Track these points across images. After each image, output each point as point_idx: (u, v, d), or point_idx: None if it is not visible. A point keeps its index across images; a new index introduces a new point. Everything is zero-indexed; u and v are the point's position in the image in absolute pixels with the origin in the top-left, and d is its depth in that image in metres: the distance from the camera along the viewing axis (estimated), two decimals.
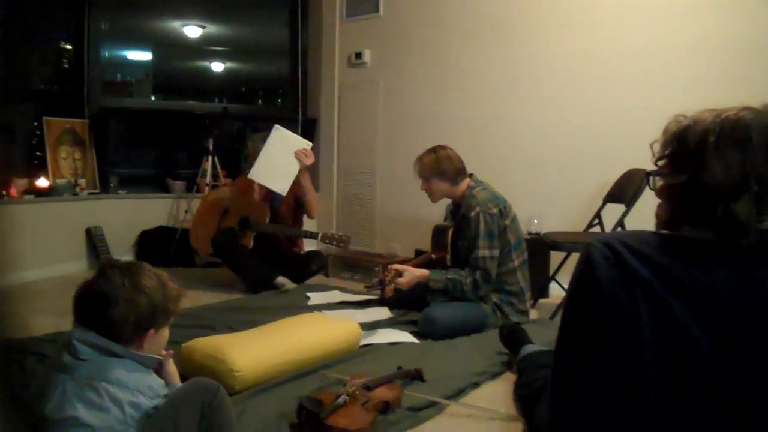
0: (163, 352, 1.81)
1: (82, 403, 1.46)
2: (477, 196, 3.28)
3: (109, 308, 1.56)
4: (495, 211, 3.22)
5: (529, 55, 4.42)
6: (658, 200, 1.33)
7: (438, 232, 3.46)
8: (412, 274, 3.21)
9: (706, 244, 1.19)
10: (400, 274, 3.20)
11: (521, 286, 3.33)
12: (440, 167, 3.33)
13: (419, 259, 3.63)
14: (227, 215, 4.35)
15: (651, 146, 1.31)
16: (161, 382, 1.64)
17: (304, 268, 4.36)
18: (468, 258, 3.23)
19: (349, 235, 4.12)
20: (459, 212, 3.39)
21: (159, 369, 1.80)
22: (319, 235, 4.02)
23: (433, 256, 3.44)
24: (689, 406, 1.12)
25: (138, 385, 1.54)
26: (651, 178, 1.31)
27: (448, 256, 3.34)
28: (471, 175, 3.43)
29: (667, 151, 1.27)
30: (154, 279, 1.66)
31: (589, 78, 4.14)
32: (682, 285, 1.15)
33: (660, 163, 1.29)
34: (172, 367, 1.86)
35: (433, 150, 3.40)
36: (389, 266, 3.29)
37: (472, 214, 3.22)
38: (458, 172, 3.35)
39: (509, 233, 3.27)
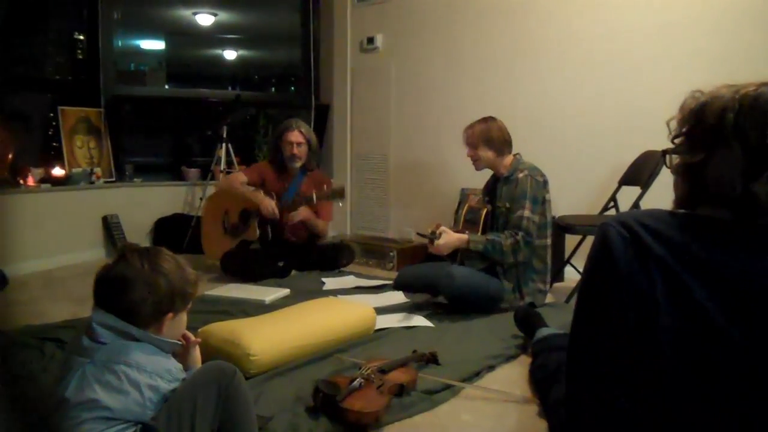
0: (192, 338, 1.84)
1: (101, 386, 1.47)
2: (526, 165, 3.35)
3: (129, 290, 1.57)
4: (540, 179, 3.28)
5: (543, 38, 4.37)
6: (673, 183, 1.32)
7: (471, 212, 3.47)
8: (451, 237, 3.22)
9: (723, 223, 1.17)
10: (440, 235, 3.19)
11: (546, 266, 3.35)
12: (489, 135, 3.37)
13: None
14: (229, 214, 4.37)
15: (668, 123, 1.29)
16: (179, 366, 1.65)
17: (333, 262, 4.37)
18: (506, 222, 3.25)
19: (342, 185, 4.19)
20: (497, 184, 3.41)
21: (184, 354, 1.82)
22: (314, 198, 4.02)
23: (466, 233, 3.43)
24: (706, 384, 1.11)
25: (156, 368, 1.55)
26: (667, 156, 1.29)
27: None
28: (516, 154, 3.46)
29: (684, 129, 1.25)
30: (172, 262, 1.67)
31: (604, 59, 4.09)
32: (699, 264, 1.13)
33: (677, 140, 1.27)
34: (197, 354, 1.87)
35: (484, 120, 3.44)
36: (439, 225, 3.30)
37: (520, 175, 3.27)
38: (505, 143, 3.40)
39: (547, 209, 3.31)
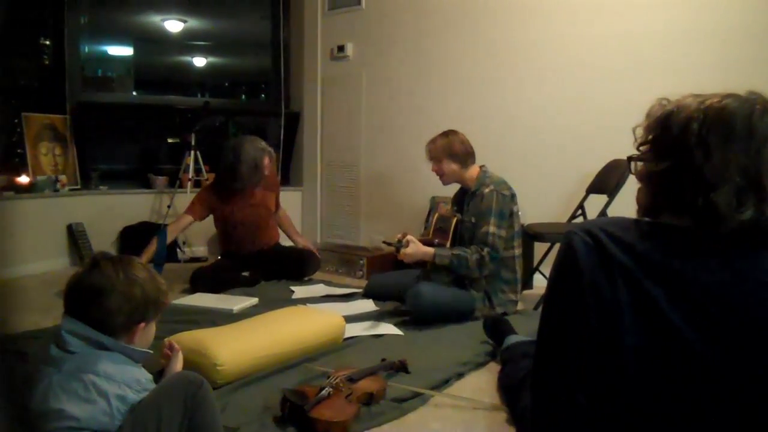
0: (176, 347, 1.92)
1: (68, 395, 1.46)
2: (492, 178, 3.37)
3: (104, 300, 1.57)
4: (507, 193, 3.30)
5: (512, 47, 4.41)
6: (637, 191, 1.33)
7: (441, 220, 3.48)
8: (418, 248, 3.20)
9: (685, 231, 1.19)
10: (408, 243, 3.19)
11: (516, 276, 3.36)
12: (452, 149, 3.39)
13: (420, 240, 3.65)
14: None
15: (633, 131, 1.30)
16: (149, 376, 1.65)
17: (299, 271, 4.29)
18: (471, 237, 3.26)
19: None
20: (465, 197, 3.43)
21: (168, 363, 1.91)
22: None
23: (435, 241, 3.43)
24: (670, 392, 1.12)
25: (125, 378, 1.54)
26: (632, 162, 1.31)
27: (448, 244, 3.35)
28: (482, 166, 3.48)
29: (649, 137, 1.26)
30: (145, 272, 1.68)
31: (572, 69, 4.14)
32: (662, 271, 1.15)
33: (642, 148, 1.28)
34: (180, 363, 1.92)
35: (446, 133, 3.47)
36: (406, 234, 3.28)
37: (486, 190, 3.28)
38: (468, 155, 3.42)
39: (515, 221, 3.33)
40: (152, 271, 1.71)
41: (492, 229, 3.20)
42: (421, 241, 3.34)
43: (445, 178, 3.49)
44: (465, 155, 3.41)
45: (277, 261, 4.29)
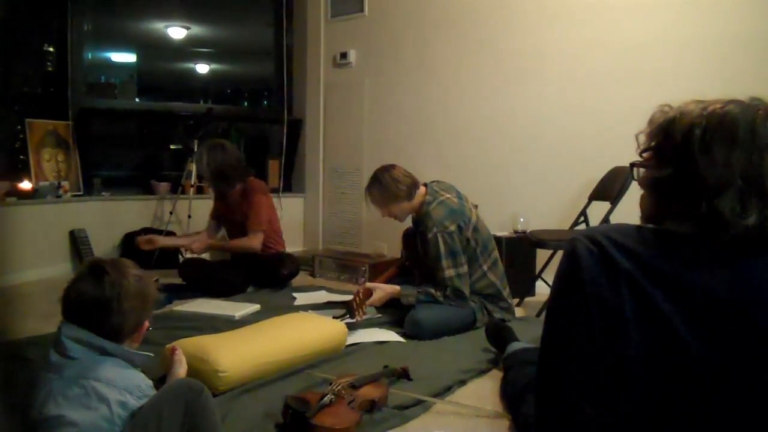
0: (179, 350, 1.96)
1: (68, 401, 1.46)
2: (432, 215, 3.20)
3: (121, 304, 1.59)
4: (453, 228, 3.16)
5: (514, 54, 4.42)
6: (640, 198, 1.32)
7: (408, 238, 3.44)
8: (384, 291, 3.21)
9: (689, 237, 1.18)
10: (370, 293, 3.20)
11: (497, 287, 3.30)
12: (390, 193, 3.29)
13: (391, 270, 3.65)
14: None
15: (636, 137, 1.30)
16: (149, 382, 1.64)
17: (274, 273, 4.19)
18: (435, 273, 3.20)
19: None
20: (419, 226, 3.35)
21: (170, 366, 1.94)
22: None
23: (406, 263, 3.41)
24: (674, 399, 1.12)
25: (126, 384, 1.55)
26: (635, 169, 1.30)
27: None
28: (426, 185, 3.39)
29: (652, 143, 1.25)
30: (139, 270, 1.71)
31: (575, 76, 4.14)
32: (666, 278, 1.14)
33: (645, 155, 1.28)
34: (182, 371, 1.94)
35: (377, 179, 3.35)
36: (360, 287, 3.28)
37: (430, 235, 3.16)
38: (409, 188, 3.30)
39: (472, 243, 3.23)
40: (139, 269, 1.74)
41: (448, 273, 3.12)
42: (391, 274, 3.43)
43: (400, 219, 3.44)
44: (406, 191, 3.28)
45: (254, 264, 4.17)
